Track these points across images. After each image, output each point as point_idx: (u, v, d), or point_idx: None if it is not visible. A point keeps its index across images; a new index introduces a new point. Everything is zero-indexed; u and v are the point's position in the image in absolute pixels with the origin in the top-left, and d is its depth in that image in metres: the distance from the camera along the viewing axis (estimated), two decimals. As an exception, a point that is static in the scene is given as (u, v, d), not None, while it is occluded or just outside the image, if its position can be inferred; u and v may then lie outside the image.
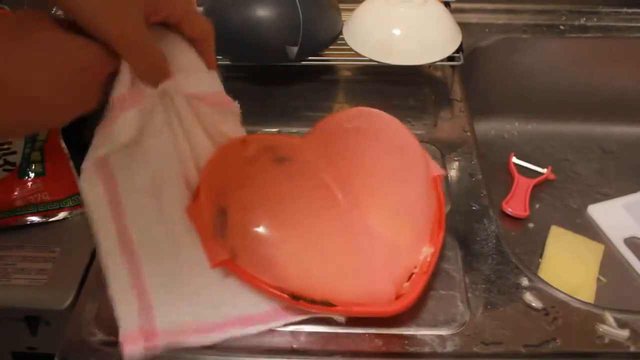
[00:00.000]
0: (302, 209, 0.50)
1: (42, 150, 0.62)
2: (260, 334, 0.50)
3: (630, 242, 0.75)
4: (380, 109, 0.72)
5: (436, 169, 0.56)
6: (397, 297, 0.48)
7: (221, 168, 0.52)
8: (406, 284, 0.49)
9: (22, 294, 0.56)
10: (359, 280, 0.48)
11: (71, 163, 0.63)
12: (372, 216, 0.50)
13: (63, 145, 0.63)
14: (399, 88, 0.77)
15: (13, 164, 0.60)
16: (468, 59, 0.78)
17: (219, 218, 0.49)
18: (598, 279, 0.71)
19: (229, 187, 0.51)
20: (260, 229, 0.48)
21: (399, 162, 0.54)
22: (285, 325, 0.50)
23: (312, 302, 0.47)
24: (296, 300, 0.47)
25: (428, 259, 0.51)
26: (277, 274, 0.47)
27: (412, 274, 0.50)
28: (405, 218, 0.51)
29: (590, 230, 0.77)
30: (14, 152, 0.59)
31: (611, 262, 0.73)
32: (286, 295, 0.47)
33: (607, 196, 0.82)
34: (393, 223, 0.50)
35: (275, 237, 0.48)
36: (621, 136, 0.92)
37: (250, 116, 0.72)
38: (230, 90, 0.77)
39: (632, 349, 0.49)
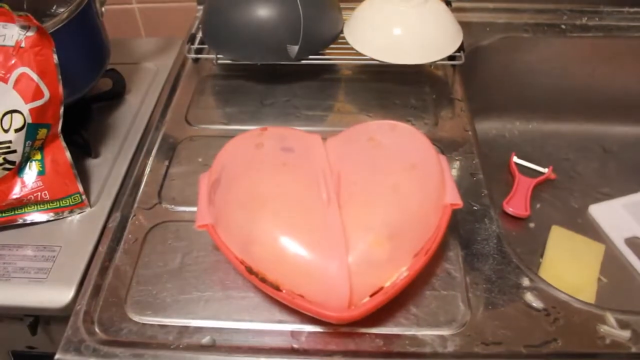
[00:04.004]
0: (282, 194, 0.51)
1: (42, 149, 0.62)
2: (261, 334, 0.50)
3: (631, 242, 0.75)
4: (381, 108, 0.74)
5: (453, 198, 0.54)
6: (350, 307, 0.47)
7: (235, 146, 0.58)
8: (367, 299, 0.47)
9: (22, 293, 0.56)
10: (313, 277, 0.47)
11: (71, 162, 0.63)
12: (351, 224, 0.49)
13: (63, 144, 0.63)
14: (400, 87, 0.77)
15: (13, 163, 0.59)
16: (469, 58, 0.78)
17: (213, 186, 0.54)
18: (599, 279, 0.70)
19: (230, 161, 0.56)
20: (236, 204, 0.52)
21: (405, 182, 0.53)
22: (286, 325, 0.50)
23: (263, 280, 0.49)
24: (249, 274, 0.49)
25: (398, 282, 0.48)
26: (242, 247, 0.50)
27: (380, 290, 0.48)
28: (386, 236, 0.49)
29: (591, 230, 0.77)
30: (14, 151, 0.59)
31: (612, 262, 0.73)
32: (243, 267, 0.50)
33: (608, 196, 0.82)
34: (371, 237, 0.49)
35: (246, 214, 0.51)
36: (622, 136, 0.92)
37: (251, 115, 0.73)
38: (231, 89, 0.78)
39: (634, 349, 0.49)
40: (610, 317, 0.51)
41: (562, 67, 0.89)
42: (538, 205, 0.81)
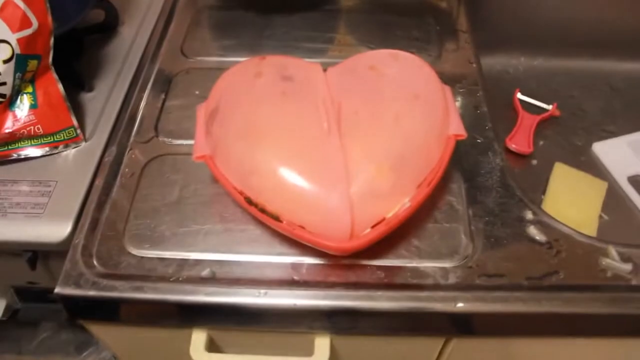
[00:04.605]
0: (282, 124, 0.50)
1: (33, 81, 0.60)
2: (261, 266, 0.50)
3: (634, 180, 0.75)
4: (383, 40, 0.71)
5: (457, 129, 0.52)
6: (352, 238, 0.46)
7: (233, 75, 0.56)
8: (368, 230, 0.47)
9: (19, 228, 0.55)
10: (314, 207, 0.47)
11: (64, 95, 0.61)
12: (352, 154, 0.48)
13: (55, 76, 0.61)
14: (402, 18, 0.74)
15: (3, 96, 0.58)
16: (475, -11, 0.75)
17: (211, 117, 0.53)
18: (600, 217, 0.70)
19: (228, 91, 0.54)
20: (235, 134, 0.51)
21: (408, 112, 0.51)
22: (286, 257, 0.50)
23: (262, 211, 0.48)
24: (249, 205, 0.49)
25: (400, 213, 0.48)
26: (241, 178, 0.49)
27: (382, 221, 0.47)
28: (388, 167, 0.48)
29: (594, 168, 0.76)
30: (4, 83, 0.57)
31: (614, 200, 0.73)
32: (243, 198, 0.49)
33: (613, 134, 0.81)
34: (373, 167, 0.47)
35: (245, 144, 0.50)
36: (629, 73, 0.90)
37: (249, 47, 0.71)
38: (228, 20, 0.75)
39: (634, 282, 0.49)
40: (613, 250, 0.51)
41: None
42: (541, 142, 0.79)
